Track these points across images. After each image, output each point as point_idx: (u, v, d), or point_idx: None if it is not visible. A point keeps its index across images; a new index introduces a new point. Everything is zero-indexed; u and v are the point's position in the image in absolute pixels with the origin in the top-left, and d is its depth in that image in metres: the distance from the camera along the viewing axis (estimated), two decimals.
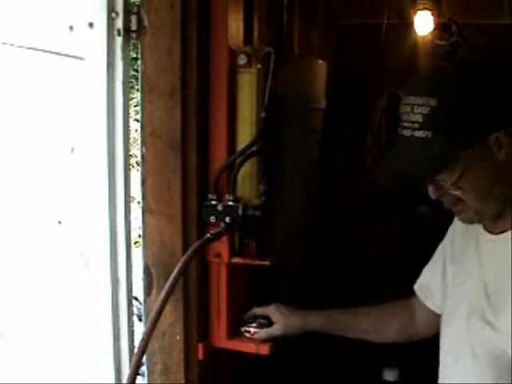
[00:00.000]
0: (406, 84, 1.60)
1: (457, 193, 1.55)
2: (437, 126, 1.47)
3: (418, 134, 1.49)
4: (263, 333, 1.98)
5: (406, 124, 1.52)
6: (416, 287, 1.96)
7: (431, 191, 1.59)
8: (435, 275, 1.88)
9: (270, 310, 2.01)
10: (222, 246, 1.92)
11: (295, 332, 2.01)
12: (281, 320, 1.99)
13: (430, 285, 1.91)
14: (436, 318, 1.87)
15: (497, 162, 1.51)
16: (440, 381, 1.81)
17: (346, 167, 3.21)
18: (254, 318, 2.03)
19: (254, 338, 1.99)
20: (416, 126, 1.49)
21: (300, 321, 2.00)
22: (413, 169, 1.53)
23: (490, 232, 1.64)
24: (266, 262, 1.94)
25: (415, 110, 1.48)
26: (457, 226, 1.80)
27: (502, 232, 1.60)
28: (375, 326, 2.03)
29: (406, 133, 1.52)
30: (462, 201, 1.57)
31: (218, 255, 1.94)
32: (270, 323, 2.01)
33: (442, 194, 1.59)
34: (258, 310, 2.03)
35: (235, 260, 1.94)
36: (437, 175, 1.53)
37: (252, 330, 2.00)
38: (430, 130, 1.48)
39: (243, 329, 2.01)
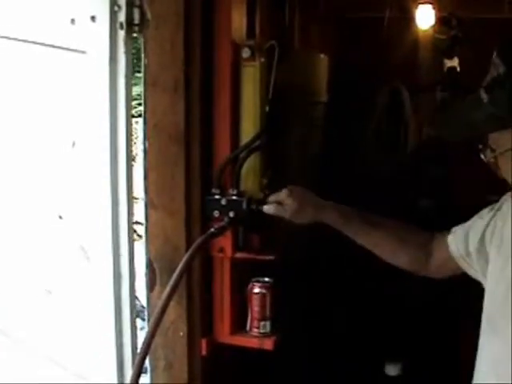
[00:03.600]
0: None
1: (495, 168, 1.48)
2: (494, 93, 1.41)
3: (481, 92, 1.43)
4: (273, 207, 1.84)
5: (485, 79, 1.46)
6: (450, 242, 1.78)
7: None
8: (472, 242, 1.71)
9: (282, 195, 1.85)
10: (225, 241, 1.92)
11: (305, 221, 1.86)
12: (292, 205, 1.83)
13: (461, 249, 1.74)
14: (453, 268, 1.77)
15: None
16: None
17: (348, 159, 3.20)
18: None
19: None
20: (484, 84, 1.44)
21: (313, 212, 1.85)
22: (460, 125, 1.51)
23: None
24: (270, 257, 1.93)
25: (491, 69, 1.43)
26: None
27: None
28: (390, 245, 1.88)
29: (480, 87, 1.46)
30: None
31: (222, 250, 1.93)
32: None
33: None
34: (271, 198, 1.87)
35: (239, 255, 1.93)
36: (477, 140, 1.48)
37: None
38: (487, 94, 1.42)
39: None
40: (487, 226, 1.66)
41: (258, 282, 1.96)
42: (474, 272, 1.72)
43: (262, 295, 1.95)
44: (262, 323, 1.97)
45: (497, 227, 1.63)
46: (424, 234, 1.88)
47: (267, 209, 1.85)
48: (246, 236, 1.93)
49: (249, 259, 1.95)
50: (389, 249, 1.87)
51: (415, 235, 1.89)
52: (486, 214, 1.70)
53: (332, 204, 1.87)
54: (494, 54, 1.44)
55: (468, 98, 1.50)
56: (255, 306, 1.95)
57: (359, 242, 1.87)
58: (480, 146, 1.49)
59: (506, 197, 1.64)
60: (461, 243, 1.75)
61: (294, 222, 1.86)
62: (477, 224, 1.72)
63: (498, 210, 1.66)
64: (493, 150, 1.45)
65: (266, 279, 1.97)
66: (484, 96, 1.42)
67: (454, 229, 1.79)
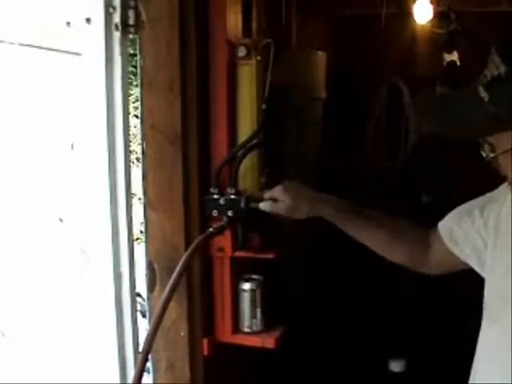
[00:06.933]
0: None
1: (496, 166, 1.47)
2: (495, 92, 1.39)
3: (480, 90, 1.42)
4: (268, 204, 1.85)
5: (482, 74, 1.44)
6: (440, 227, 1.79)
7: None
8: (464, 225, 1.71)
9: (277, 191, 1.85)
10: (224, 240, 1.91)
11: (301, 217, 1.85)
12: (287, 201, 1.82)
13: (454, 232, 1.74)
14: (453, 261, 1.74)
15: None
16: None
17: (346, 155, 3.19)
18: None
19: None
20: (484, 81, 1.42)
21: (308, 207, 1.83)
22: (460, 124, 1.47)
23: None
24: (270, 255, 1.93)
25: (490, 66, 1.41)
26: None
27: None
28: (385, 238, 1.87)
29: (478, 84, 1.44)
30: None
31: (221, 249, 1.93)
32: None
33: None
34: (266, 194, 1.88)
35: (238, 254, 1.93)
36: (478, 138, 1.47)
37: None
38: (487, 92, 1.41)
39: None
40: (487, 217, 1.65)
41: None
42: (465, 256, 1.71)
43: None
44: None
45: (496, 216, 1.63)
46: (422, 228, 1.86)
47: (263, 206, 1.85)
48: (246, 235, 1.93)
49: (248, 258, 1.94)
50: (384, 242, 1.85)
51: (412, 229, 1.87)
52: (484, 202, 1.70)
53: (327, 197, 1.86)
54: (493, 51, 1.42)
55: (466, 95, 1.49)
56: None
57: (353, 236, 1.85)
58: (480, 141, 1.48)
59: (503, 189, 1.62)
60: (453, 223, 1.74)
61: (291, 217, 1.85)
62: (473, 210, 1.70)
63: (497, 201, 1.65)
64: (493, 149, 1.44)
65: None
66: (484, 94, 1.41)
67: (443, 226, 1.78)
